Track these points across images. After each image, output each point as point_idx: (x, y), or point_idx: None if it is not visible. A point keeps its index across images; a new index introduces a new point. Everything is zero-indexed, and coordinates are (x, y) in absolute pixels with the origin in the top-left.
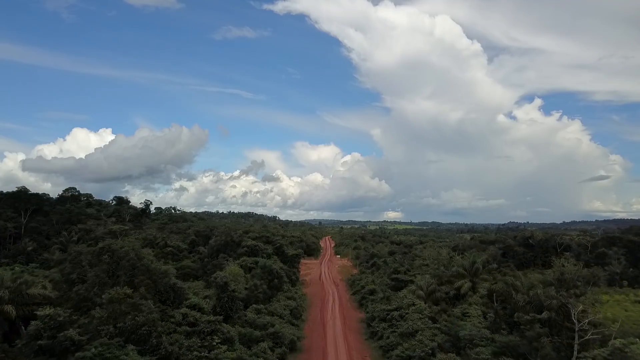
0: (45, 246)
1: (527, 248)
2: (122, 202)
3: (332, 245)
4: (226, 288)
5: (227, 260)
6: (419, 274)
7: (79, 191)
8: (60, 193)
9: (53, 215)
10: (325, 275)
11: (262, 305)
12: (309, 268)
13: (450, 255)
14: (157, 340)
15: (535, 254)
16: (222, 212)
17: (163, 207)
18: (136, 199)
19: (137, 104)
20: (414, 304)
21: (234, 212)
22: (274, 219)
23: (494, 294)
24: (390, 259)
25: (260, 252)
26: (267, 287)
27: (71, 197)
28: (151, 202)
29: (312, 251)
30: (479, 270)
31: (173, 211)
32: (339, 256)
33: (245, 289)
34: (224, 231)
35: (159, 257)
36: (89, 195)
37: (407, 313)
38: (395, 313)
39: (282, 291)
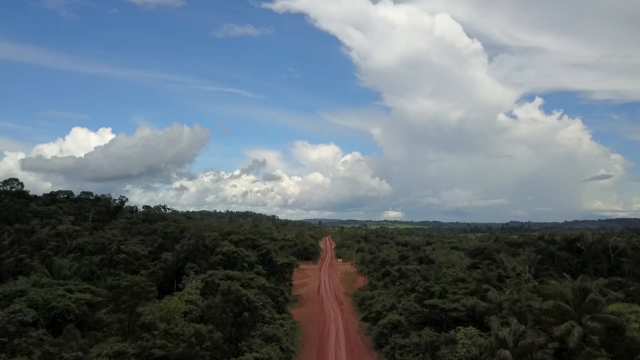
0: None
1: (572, 253)
2: (94, 198)
3: (333, 246)
4: None
5: (192, 272)
6: (455, 292)
7: (22, 183)
8: None
9: None
10: (325, 286)
11: None
12: (306, 276)
13: (517, 272)
14: None
15: (583, 260)
16: (220, 212)
17: (152, 206)
18: (136, 198)
19: (138, 102)
20: None
21: (232, 211)
22: (272, 218)
23: None
24: (408, 268)
25: (239, 261)
26: (223, 335)
27: (14, 192)
28: (127, 199)
29: (310, 255)
30: (598, 305)
31: (163, 210)
32: (340, 260)
33: (191, 337)
34: (194, 233)
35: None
36: (69, 193)
37: None
38: None
39: (261, 323)
